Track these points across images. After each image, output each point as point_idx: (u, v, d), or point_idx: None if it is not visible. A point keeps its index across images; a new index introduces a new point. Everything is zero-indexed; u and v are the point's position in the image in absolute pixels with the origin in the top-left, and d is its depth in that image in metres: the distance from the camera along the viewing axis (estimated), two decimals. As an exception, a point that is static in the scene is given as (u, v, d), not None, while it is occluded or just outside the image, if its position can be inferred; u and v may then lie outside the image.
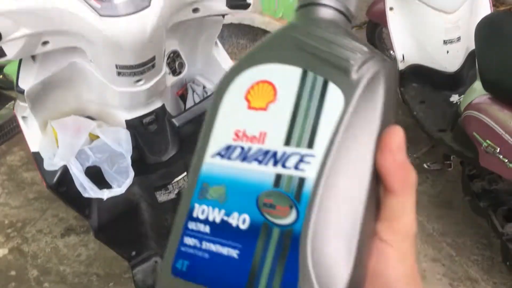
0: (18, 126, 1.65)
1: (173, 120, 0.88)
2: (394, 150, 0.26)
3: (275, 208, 0.26)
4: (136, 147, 0.85)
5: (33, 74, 0.68)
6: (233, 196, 0.28)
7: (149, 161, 0.91)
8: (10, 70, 0.98)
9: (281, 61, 0.29)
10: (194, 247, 0.28)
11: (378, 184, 0.27)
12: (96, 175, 0.82)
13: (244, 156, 0.28)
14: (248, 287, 0.26)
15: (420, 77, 1.76)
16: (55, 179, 0.77)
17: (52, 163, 0.74)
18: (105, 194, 0.80)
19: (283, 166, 0.27)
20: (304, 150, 0.26)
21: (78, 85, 0.79)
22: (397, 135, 0.26)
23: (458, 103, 1.65)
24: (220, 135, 0.29)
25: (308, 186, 0.26)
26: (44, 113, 0.78)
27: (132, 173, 0.82)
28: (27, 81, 0.67)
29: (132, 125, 0.84)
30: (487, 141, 1.16)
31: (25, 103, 0.71)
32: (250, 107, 0.29)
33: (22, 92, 0.66)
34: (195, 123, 0.89)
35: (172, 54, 0.83)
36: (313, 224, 0.25)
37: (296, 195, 0.26)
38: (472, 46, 1.59)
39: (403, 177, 0.26)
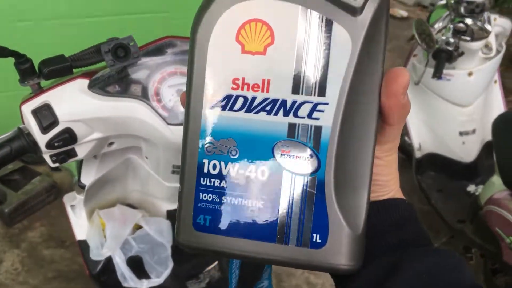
0: (41, 201, 1.69)
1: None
2: (399, 93, 0.28)
3: (294, 158, 0.26)
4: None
5: (93, 170, 0.72)
6: (245, 149, 0.27)
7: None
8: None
9: None
10: (213, 201, 0.28)
11: (380, 116, 0.28)
12: (135, 265, 0.84)
13: (249, 106, 0.27)
14: (280, 233, 0.27)
15: (436, 165, 1.80)
16: (98, 268, 0.79)
17: (100, 253, 0.77)
18: (144, 285, 0.82)
19: (296, 115, 0.26)
20: (316, 98, 0.26)
21: (128, 177, 0.83)
22: (403, 77, 0.28)
23: (476, 193, 1.68)
24: (216, 84, 0.28)
25: (325, 134, 0.26)
26: (93, 203, 0.82)
27: (171, 264, 0.84)
28: (89, 177, 0.72)
29: (173, 215, 0.87)
30: (511, 237, 1.17)
31: (80, 196, 0.75)
32: (244, 51, 0.27)
33: (83, 187, 0.71)
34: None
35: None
36: (335, 171, 0.26)
37: (315, 144, 0.26)
38: (487, 138, 1.65)
39: (402, 114, 0.29)
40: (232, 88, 0.27)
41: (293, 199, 0.27)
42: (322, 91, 0.26)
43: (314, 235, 0.27)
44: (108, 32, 1.22)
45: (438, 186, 1.81)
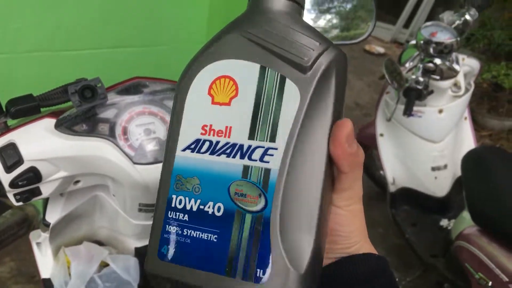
0: (12, 235, 1.65)
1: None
2: (343, 142, 0.30)
3: (245, 197, 0.29)
4: (143, 275, 0.87)
5: (59, 208, 0.72)
6: (206, 186, 0.31)
7: (153, 288, 0.92)
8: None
9: (240, 57, 0.31)
10: (176, 233, 0.31)
11: (332, 164, 0.31)
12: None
13: (213, 150, 0.31)
14: (229, 266, 0.29)
15: (410, 200, 1.83)
16: (62, 307, 0.78)
17: (63, 292, 0.75)
18: (109, 324, 0.81)
19: (250, 158, 0.30)
20: (267, 144, 0.30)
21: (95, 214, 0.83)
22: (345, 128, 0.30)
23: (448, 228, 1.71)
24: (188, 130, 0.32)
25: (273, 176, 0.29)
26: (59, 240, 0.81)
27: (137, 303, 0.82)
28: (54, 215, 0.71)
29: (141, 253, 0.87)
30: (479, 273, 1.19)
31: (46, 233, 0.74)
32: (214, 102, 0.31)
33: (48, 225, 0.70)
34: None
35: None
36: (280, 209, 0.29)
37: (264, 185, 0.29)
38: (458, 173, 1.69)
39: (352, 161, 0.31)
40: (201, 133, 0.31)
41: (242, 235, 0.29)
42: (273, 138, 0.30)
43: (258, 270, 0.28)
44: (87, 67, 1.24)
45: (412, 220, 1.84)
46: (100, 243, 0.89)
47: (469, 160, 1.40)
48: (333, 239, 0.33)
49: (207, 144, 0.31)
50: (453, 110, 1.66)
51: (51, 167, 0.62)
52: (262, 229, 0.29)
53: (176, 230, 0.31)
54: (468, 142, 1.82)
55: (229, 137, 0.31)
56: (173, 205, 0.31)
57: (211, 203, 0.30)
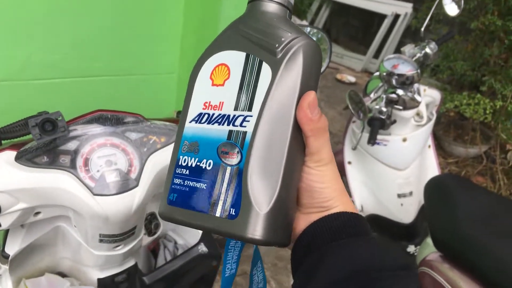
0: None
1: (144, 278, 0.91)
2: (305, 107, 0.37)
3: (228, 154, 0.37)
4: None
5: (19, 239, 0.72)
6: (203, 148, 0.39)
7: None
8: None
9: (232, 48, 0.40)
10: (180, 184, 0.40)
11: (300, 130, 0.38)
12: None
13: (210, 120, 0.39)
14: (212, 207, 0.37)
15: (378, 226, 1.85)
16: None
17: (22, 326, 0.75)
18: None
19: (233, 124, 0.38)
20: (246, 113, 0.37)
21: (57, 245, 0.82)
22: (308, 97, 0.37)
23: (415, 254, 1.74)
24: (195, 106, 0.41)
25: (248, 137, 0.37)
26: (20, 272, 0.80)
27: (99, 335, 0.82)
28: (13, 247, 0.71)
29: (104, 284, 0.86)
30: (442, 299, 1.22)
31: (5, 265, 0.74)
32: (213, 84, 0.40)
33: (7, 257, 0.70)
34: (166, 281, 0.92)
35: (149, 216, 0.90)
36: (251, 163, 0.36)
37: (241, 144, 0.37)
38: (423, 200, 1.73)
39: (314, 126, 0.38)
40: (203, 108, 0.40)
41: (223, 183, 0.37)
42: (250, 107, 0.37)
43: (231, 209, 0.36)
44: (57, 95, 1.24)
45: (380, 247, 1.86)
46: (62, 274, 0.88)
47: (431, 188, 1.44)
48: (310, 194, 0.40)
49: (206, 116, 0.40)
50: (416, 139, 1.71)
51: (11, 199, 0.62)
52: (237, 178, 0.36)
53: (180, 182, 0.40)
54: (432, 169, 1.88)
55: (221, 110, 0.39)
56: (180, 163, 0.40)
57: (204, 160, 0.38)
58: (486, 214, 1.26)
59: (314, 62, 0.39)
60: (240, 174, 0.36)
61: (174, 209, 0.39)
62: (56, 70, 1.22)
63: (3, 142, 0.66)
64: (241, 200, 0.35)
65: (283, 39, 0.38)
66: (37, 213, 0.69)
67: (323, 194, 0.39)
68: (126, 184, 0.68)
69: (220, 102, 0.39)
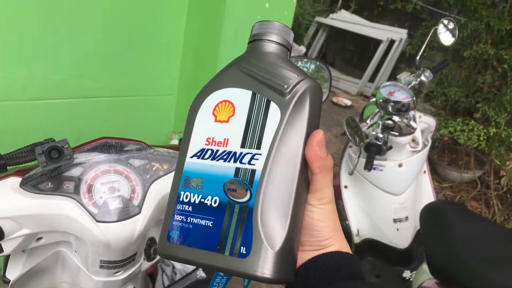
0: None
1: (143, 303, 0.91)
2: (314, 145, 0.38)
3: (236, 191, 0.37)
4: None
5: (20, 264, 0.72)
6: (207, 184, 0.39)
7: None
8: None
9: (237, 86, 0.40)
10: (182, 221, 0.39)
11: (307, 168, 0.39)
12: None
13: (214, 156, 0.39)
14: (219, 245, 0.36)
15: (374, 251, 1.86)
16: None
17: None
18: None
19: (241, 162, 0.38)
20: (254, 151, 0.38)
21: (56, 269, 0.83)
22: (317, 135, 0.39)
23: (411, 279, 1.74)
24: (196, 141, 0.41)
25: (257, 175, 0.37)
26: (19, 296, 0.80)
27: None
28: (14, 272, 0.71)
29: (102, 309, 0.86)
30: (438, 326, 1.22)
31: (5, 290, 0.74)
32: (216, 120, 0.40)
33: (8, 282, 0.70)
34: (163, 306, 0.92)
35: (149, 241, 0.90)
36: (261, 201, 0.36)
37: (250, 182, 0.37)
38: (419, 225, 1.74)
39: (321, 164, 0.39)
40: (205, 144, 0.40)
41: (231, 221, 0.37)
42: (259, 146, 0.38)
43: (242, 247, 0.36)
44: (58, 115, 1.25)
45: (376, 272, 1.86)
46: (61, 298, 0.88)
47: (427, 214, 1.45)
48: (309, 232, 0.40)
49: (209, 152, 0.40)
50: (412, 164, 1.73)
51: (14, 224, 0.63)
52: (246, 216, 0.36)
53: (182, 219, 0.39)
54: (428, 194, 1.89)
55: (226, 146, 0.39)
56: (181, 199, 0.40)
57: (209, 197, 0.38)
58: (482, 241, 1.27)
59: (318, 102, 0.41)
60: (250, 212, 0.36)
61: (176, 247, 0.39)
62: (57, 91, 1.24)
63: (8, 168, 0.67)
64: (252, 238, 0.36)
65: (290, 80, 0.39)
66: (39, 238, 0.70)
67: (322, 233, 0.40)
68: (128, 211, 0.68)
69: (224, 139, 0.40)
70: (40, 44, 1.14)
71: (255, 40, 0.43)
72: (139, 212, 0.69)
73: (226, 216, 0.37)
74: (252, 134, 0.39)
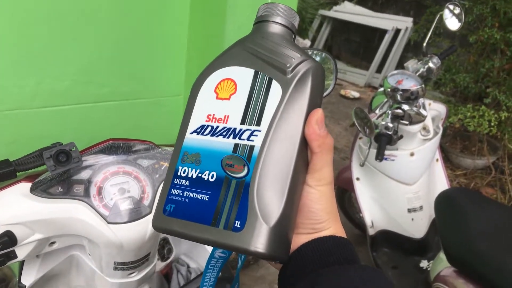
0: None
1: (159, 303, 0.91)
2: (313, 123, 0.38)
3: (233, 167, 0.37)
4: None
5: (35, 270, 0.72)
6: (205, 159, 0.39)
7: None
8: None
9: (240, 64, 0.41)
10: (178, 195, 0.39)
11: (307, 148, 0.39)
12: None
13: (213, 132, 0.39)
14: (214, 218, 0.36)
15: (390, 242, 1.84)
16: None
17: None
18: None
19: (240, 138, 0.38)
20: (253, 127, 0.38)
21: (71, 273, 0.83)
22: (316, 113, 0.38)
23: (428, 269, 1.72)
24: (197, 118, 0.41)
25: (256, 151, 0.37)
26: (35, 301, 0.80)
27: None
28: (29, 278, 0.71)
29: (119, 311, 0.87)
30: (458, 315, 1.20)
31: (22, 295, 0.74)
32: (218, 98, 0.41)
33: (23, 288, 0.70)
34: (180, 306, 0.92)
35: (162, 241, 0.90)
36: (258, 176, 0.36)
37: (248, 157, 0.37)
38: (434, 214, 1.72)
39: (321, 142, 0.38)
40: (206, 120, 0.40)
41: (227, 195, 0.37)
42: (258, 122, 0.38)
43: (236, 221, 0.35)
44: (68, 122, 1.26)
45: (393, 263, 1.85)
46: (77, 302, 0.89)
47: (441, 202, 1.44)
48: (305, 214, 0.40)
49: (209, 128, 0.40)
50: (424, 153, 1.71)
51: (27, 230, 0.63)
52: (243, 191, 0.36)
53: (179, 193, 0.39)
54: (441, 183, 1.87)
55: (226, 123, 0.39)
56: (178, 174, 0.40)
57: (207, 172, 0.38)
58: (498, 227, 1.25)
59: (320, 83, 0.41)
60: (247, 187, 0.36)
61: (171, 220, 0.39)
62: (66, 97, 1.24)
63: (18, 174, 0.67)
64: (247, 213, 0.35)
65: (293, 59, 0.39)
66: (52, 243, 0.70)
67: (318, 216, 0.39)
68: (139, 212, 0.68)
69: (225, 116, 0.40)
70: (47, 52, 1.14)
71: (260, 21, 0.43)
72: (150, 212, 0.69)
73: (222, 191, 0.37)
74: (253, 112, 0.39)
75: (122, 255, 0.70)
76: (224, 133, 0.39)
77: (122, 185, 0.70)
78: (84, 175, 0.69)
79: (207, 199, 0.37)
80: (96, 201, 0.67)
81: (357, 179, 1.87)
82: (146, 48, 1.38)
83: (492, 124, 2.52)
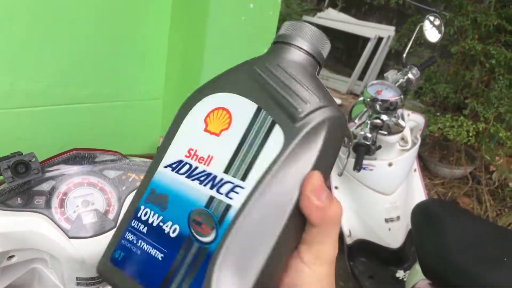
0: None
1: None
2: (308, 193, 0.29)
3: (200, 226, 0.30)
4: None
5: (-7, 284, 0.69)
6: (172, 206, 0.31)
7: None
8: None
9: (241, 93, 0.32)
10: (132, 242, 0.32)
11: (304, 220, 0.30)
12: None
13: (190, 174, 0.32)
14: (162, 285, 0.29)
15: (367, 252, 1.84)
16: None
17: None
18: None
19: (217, 191, 0.30)
20: (237, 181, 0.30)
21: (33, 287, 0.79)
22: (312, 180, 0.29)
23: (404, 279, 1.72)
24: (176, 149, 0.33)
25: (231, 214, 0.29)
26: (-5, 316, 0.77)
27: None
28: (-14, 292, 0.68)
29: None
30: (430, 328, 1.20)
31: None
32: (206, 130, 0.33)
33: (-20, 304, 0.67)
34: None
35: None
36: (225, 247, 0.28)
37: (220, 219, 0.29)
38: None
39: (321, 214, 0.29)
40: (185, 156, 0.33)
41: (184, 261, 0.29)
42: (244, 177, 0.30)
43: None
44: (43, 123, 1.22)
45: (370, 273, 1.84)
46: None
47: (417, 213, 1.43)
48: None
49: (187, 166, 0.32)
50: (402, 163, 1.72)
51: (-18, 244, 0.60)
52: (202, 262, 0.29)
53: (133, 239, 0.32)
54: (419, 193, 1.88)
55: (207, 165, 0.32)
56: (139, 215, 0.33)
57: (169, 223, 0.31)
58: (474, 240, 1.25)
59: (337, 141, 0.33)
60: (208, 257, 0.29)
61: (116, 271, 0.32)
62: (41, 98, 1.21)
63: (-25, 184, 0.64)
64: None
65: (308, 104, 0.31)
66: (11, 256, 0.66)
67: None
68: (103, 226, 0.65)
69: (209, 156, 0.32)
70: (23, 52, 1.11)
71: (280, 42, 0.35)
72: (115, 226, 0.66)
73: (180, 253, 0.30)
74: (242, 160, 0.31)
75: (84, 271, 0.67)
76: (202, 178, 0.31)
77: (86, 197, 0.67)
78: (46, 186, 0.66)
79: (160, 259, 0.30)
80: (57, 214, 0.64)
81: (336, 188, 1.86)
82: (126, 50, 1.35)
83: (471, 134, 2.55)
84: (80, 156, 0.69)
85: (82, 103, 1.32)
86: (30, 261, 0.73)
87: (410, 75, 1.65)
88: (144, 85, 1.47)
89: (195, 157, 0.32)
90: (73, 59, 1.22)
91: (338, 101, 4.70)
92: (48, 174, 0.66)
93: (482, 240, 1.28)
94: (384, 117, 1.58)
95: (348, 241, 1.84)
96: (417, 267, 1.50)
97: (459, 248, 1.22)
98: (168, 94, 1.53)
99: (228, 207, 0.29)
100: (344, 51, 5.66)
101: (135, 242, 0.32)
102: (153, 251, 0.31)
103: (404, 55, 1.69)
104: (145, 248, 0.31)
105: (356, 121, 1.65)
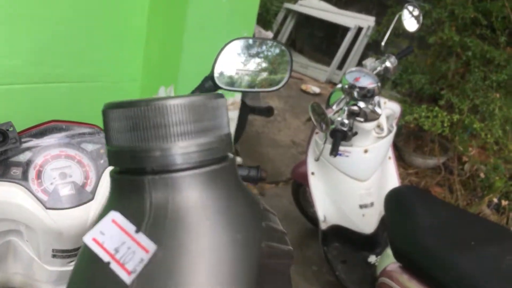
0: None
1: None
2: None
3: None
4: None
5: (-34, 255, 0.68)
6: None
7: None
8: None
9: None
10: None
11: None
12: None
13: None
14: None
15: (341, 237, 1.87)
16: None
17: None
18: None
19: None
20: None
21: (8, 260, 0.79)
22: None
23: (376, 264, 1.77)
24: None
25: None
26: (-33, 288, 0.76)
27: None
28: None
29: (58, 300, 0.83)
30: (401, 309, 1.24)
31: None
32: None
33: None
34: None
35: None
36: None
37: None
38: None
39: None
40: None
41: None
42: None
43: None
44: (19, 101, 1.20)
45: (342, 257, 1.88)
46: (14, 290, 0.85)
47: (391, 199, 1.47)
48: None
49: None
50: (377, 150, 1.75)
51: (-44, 212, 0.59)
52: None
53: None
54: (393, 180, 1.92)
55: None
56: None
57: None
58: (444, 225, 1.29)
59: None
60: None
61: None
62: (16, 76, 1.19)
63: (-51, 153, 0.63)
64: None
65: None
66: (-15, 228, 0.66)
67: None
68: (80, 198, 0.65)
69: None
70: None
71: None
72: (92, 199, 0.66)
73: None
74: None
75: (61, 243, 0.67)
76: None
77: (64, 169, 0.67)
78: (23, 157, 0.65)
79: None
80: (34, 185, 0.64)
81: (312, 173, 1.89)
82: (103, 30, 1.33)
83: (445, 125, 2.60)
84: (58, 128, 0.68)
85: (58, 82, 1.30)
86: (5, 233, 0.72)
87: (387, 63, 1.68)
88: (122, 66, 1.45)
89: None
90: (49, 37, 1.20)
91: (316, 89, 4.73)
92: (25, 145, 0.65)
93: (452, 226, 1.32)
94: (361, 104, 1.60)
95: (323, 226, 1.88)
96: (388, 251, 1.54)
97: (430, 233, 1.26)
98: (146, 75, 1.51)
99: None
100: (323, 40, 5.68)
101: None
102: None
103: (383, 43, 1.71)
104: None
105: (334, 107, 1.67)
